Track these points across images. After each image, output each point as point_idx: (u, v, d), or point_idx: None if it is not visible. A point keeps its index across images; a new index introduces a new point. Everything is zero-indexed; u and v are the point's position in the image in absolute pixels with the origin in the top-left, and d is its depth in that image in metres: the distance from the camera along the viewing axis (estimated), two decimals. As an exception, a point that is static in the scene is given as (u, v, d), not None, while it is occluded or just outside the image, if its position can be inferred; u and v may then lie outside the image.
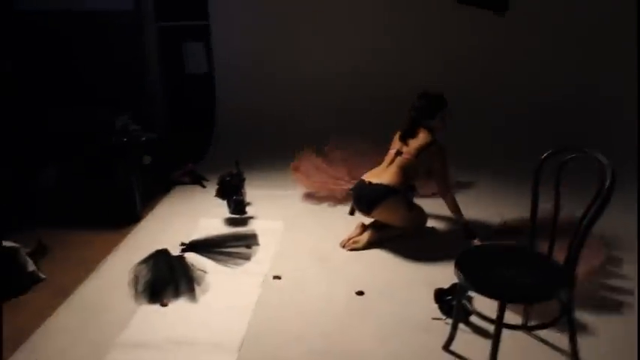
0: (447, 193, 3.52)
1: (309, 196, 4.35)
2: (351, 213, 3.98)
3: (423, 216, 3.67)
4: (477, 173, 4.75)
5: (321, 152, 4.53)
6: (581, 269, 2.75)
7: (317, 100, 5.69)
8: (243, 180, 4.06)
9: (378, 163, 3.64)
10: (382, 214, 3.48)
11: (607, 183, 1.99)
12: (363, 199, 3.47)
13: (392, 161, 3.52)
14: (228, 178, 3.99)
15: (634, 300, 2.85)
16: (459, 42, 5.36)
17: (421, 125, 3.51)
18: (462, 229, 3.58)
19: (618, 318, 2.73)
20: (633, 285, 2.99)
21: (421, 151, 3.43)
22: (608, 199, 1.98)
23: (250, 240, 3.56)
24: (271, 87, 5.76)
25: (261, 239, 3.57)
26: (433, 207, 3.91)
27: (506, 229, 3.54)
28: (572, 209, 2.59)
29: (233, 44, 5.63)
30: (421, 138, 3.47)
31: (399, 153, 3.50)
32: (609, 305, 2.82)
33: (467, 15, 5.28)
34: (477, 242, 3.43)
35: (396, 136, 3.59)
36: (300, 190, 4.43)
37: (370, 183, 3.46)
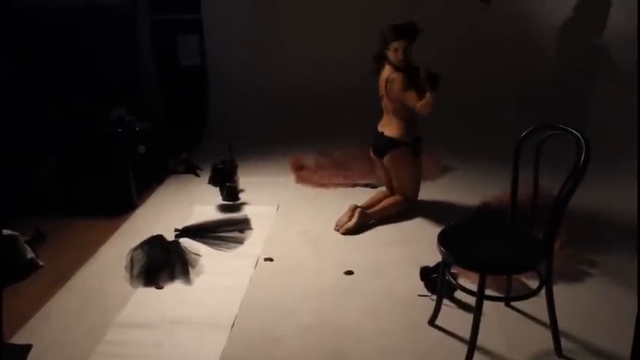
0: (425, 105, 3.26)
1: (302, 182, 4.39)
2: (374, 186, 4.16)
3: (418, 187, 3.76)
4: (461, 156, 4.80)
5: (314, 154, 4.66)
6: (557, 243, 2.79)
7: (310, 93, 5.71)
8: (235, 167, 4.06)
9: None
10: (392, 162, 3.63)
11: (582, 158, 2.02)
12: (376, 147, 3.68)
13: (386, 107, 3.61)
14: (220, 166, 3.99)
15: (595, 270, 2.95)
16: (446, 32, 5.37)
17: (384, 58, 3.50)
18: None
19: (587, 287, 2.82)
20: (593, 256, 3.08)
21: (385, 88, 3.48)
22: (582, 175, 2.02)
23: (243, 225, 3.58)
24: (265, 79, 5.77)
25: (253, 224, 3.60)
26: (420, 191, 3.95)
27: (486, 208, 3.60)
28: (552, 186, 2.63)
29: (226, 37, 5.64)
30: (383, 73, 3.51)
31: (382, 97, 3.58)
32: (578, 275, 2.91)
33: (454, 3, 5.30)
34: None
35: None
36: (292, 178, 4.47)
37: (382, 134, 3.62)
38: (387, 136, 3.59)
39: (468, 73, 5.43)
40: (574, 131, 2.09)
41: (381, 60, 3.53)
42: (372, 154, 3.77)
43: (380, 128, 3.67)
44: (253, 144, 5.21)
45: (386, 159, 3.63)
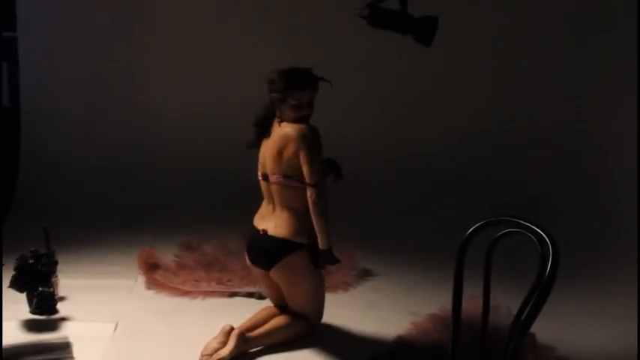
0: (319, 196, 3.44)
1: (156, 288, 4.33)
2: (261, 297, 4.14)
3: (321, 303, 3.76)
4: (384, 258, 4.91)
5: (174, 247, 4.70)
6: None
7: (172, 157, 5.72)
8: (54, 263, 3.95)
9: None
10: (282, 275, 3.57)
11: (547, 267, 2.10)
12: (256, 253, 3.62)
13: (268, 191, 3.60)
14: (31, 261, 3.85)
15: None
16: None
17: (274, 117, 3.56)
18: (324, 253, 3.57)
19: None
20: None
21: (276, 158, 3.49)
22: (547, 292, 2.08)
23: (61, 352, 3.45)
24: (107, 131, 5.74)
25: (77, 350, 3.47)
26: (327, 304, 3.95)
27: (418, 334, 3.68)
28: (510, 302, 2.71)
29: (49, 66, 5.58)
30: (290, 145, 3.46)
31: (265, 177, 3.57)
32: None
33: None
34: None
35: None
36: (141, 281, 4.42)
37: (265, 233, 3.57)
38: (272, 237, 3.52)
39: (393, 142, 5.71)
40: (536, 228, 2.18)
41: (267, 124, 3.58)
42: (248, 261, 3.73)
43: (259, 224, 3.61)
44: (83, 228, 5.09)
45: (274, 271, 3.56)
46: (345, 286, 4.42)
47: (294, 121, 3.49)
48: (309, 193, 3.42)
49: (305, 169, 3.42)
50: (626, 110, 5.17)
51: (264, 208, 3.66)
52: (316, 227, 3.46)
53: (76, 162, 5.67)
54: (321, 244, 3.50)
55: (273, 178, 3.53)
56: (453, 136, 5.97)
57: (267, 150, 3.55)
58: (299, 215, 3.52)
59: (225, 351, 3.43)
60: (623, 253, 4.67)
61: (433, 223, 5.31)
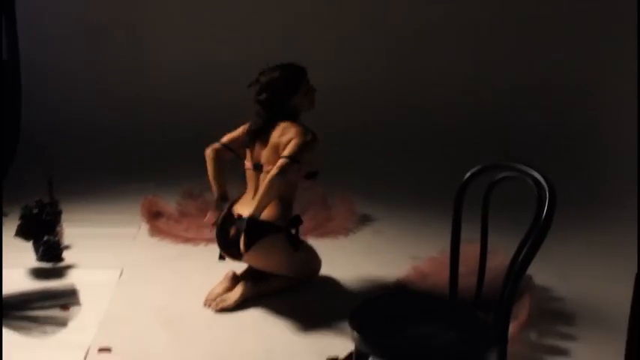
0: (285, 168, 3.33)
1: (159, 236, 4.40)
2: (222, 257, 4.00)
3: (315, 259, 3.75)
4: (384, 203, 4.96)
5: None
6: (512, 323, 2.91)
7: (173, 107, 5.72)
8: (59, 212, 3.99)
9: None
10: (258, 259, 3.51)
11: (543, 210, 2.12)
12: (235, 236, 3.46)
13: (256, 181, 3.55)
14: (35, 211, 3.89)
15: None
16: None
17: (281, 112, 3.52)
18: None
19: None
20: (570, 343, 3.19)
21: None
22: (544, 234, 2.10)
23: (67, 298, 3.50)
24: (108, 82, 5.73)
25: (83, 297, 3.52)
26: (327, 249, 4.00)
27: (417, 276, 3.72)
28: (507, 245, 2.74)
29: (49, 17, 5.55)
30: (290, 132, 3.44)
31: (257, 167, 3.53)
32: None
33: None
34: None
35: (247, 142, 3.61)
36: (145, 228, 4.48)
37: (240, 216, 3.48)
38: (248, 219, 3.36)
39: (392, 91, 5.71)
40: (533, 172, 2.19)
41: (262, 130, 3.53)
42: (220, 254, 3.65)
43: (235, 210, 3.54)
44: (86, 177, 5.10)
45: (249, 256, 3.45)
46: (346, 231, 4.48)
47: (312, 104, 3.57)
48: (280, 161, 3.32)
49: (291, 146, 3.35)
50: (628, 54, 5.15)
51: (245, 197, 3.62)
52: (260, 192, 3.34)
53: (77, 113, 5.68)
54: (254, 209, 3.33)
55: (267, 168, 3.46)
56: (452, 84, 5.97)
57: (265, 144, 3.51)
58: (282, 202, 3.49)
59: (232, 297, 3.49)
60: (622, 193, 4.71)
61: (432, 168, 5.35)
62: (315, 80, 3.55)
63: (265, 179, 3.34)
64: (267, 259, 3.52)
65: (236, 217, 3.48)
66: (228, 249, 3.55)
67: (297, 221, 3.61)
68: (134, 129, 5.77)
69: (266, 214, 3.41)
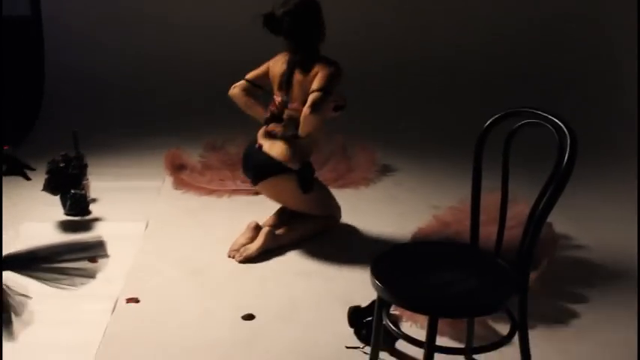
0: (322, 99, 3.41)
1: (183, 188, 4.41)
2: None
3: (331, 200, 3.79)
4: (404, 153, 4.96)
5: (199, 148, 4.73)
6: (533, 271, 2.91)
7: (194, 61, 5.71)
8: (84, 166, 4.01)
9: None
10: (270, 193, 3.68)
11: (565, 157, 2.10)
12: (250, 165, 3.64)
13: (283, 117, 3.58)
14: (62, 165, 3.91)
15: (585, 310, 3.07)
16: None
17: (313, 49, 3.54)
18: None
19: (574, 333, 2.92)
20: (590, 290, 3.21)
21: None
22: (565, 180, 2.08)
23: (95, 250, 3.48)
24: (129, 38, 5.72)
25: (110, 249, 3.49)
26: (349, 199, 4.01)
27: (439, 226, 3.73)
28: (528, 194, 2.73)
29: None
30: (323, 71, 3.45)
31: (283, 105, 3.56)
32: (561, 317, 3.02)
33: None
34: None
35: (275, 78, 3.62)
36: (169, 181, 4.50)
37: (260, 147, 3.57)
38: (265, 154, 3.55)
39: (412, 43, 5.65)
40: (555, 119, 2.16)
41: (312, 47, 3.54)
42: (242, 173, 3.83)
43: (260, 139, 3.62)
44: (110, 132, 5.12)
45: (260, 185, 3.65)
46: (367, 181, 4.48)
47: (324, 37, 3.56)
48: (313, 95, 3.36)
49: (319, 79, 3.39)
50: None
51: (271, 128, 3.63)
52: (304, 122, 3.40)
53: (101, 69, 5.67)
54: (302, 131, 3.44)
55: (294, 105, 3.50)
56: (474, 30, 5.87)
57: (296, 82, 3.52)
58: (300, 144, 3.52)
59: (254, 247, 3.52)
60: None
61: (453, 117, 5.31)
62: (335, 27, 3.53)
63: (301, 116, 3.40)
64: (278, 195, 3.68)
65: (257, 146, 3.58)
66: (246, 173, 3.72)
67: (309, 169, 3.63)
68: (157, 84, 5.76)
69: (278, 153, 3.49)
